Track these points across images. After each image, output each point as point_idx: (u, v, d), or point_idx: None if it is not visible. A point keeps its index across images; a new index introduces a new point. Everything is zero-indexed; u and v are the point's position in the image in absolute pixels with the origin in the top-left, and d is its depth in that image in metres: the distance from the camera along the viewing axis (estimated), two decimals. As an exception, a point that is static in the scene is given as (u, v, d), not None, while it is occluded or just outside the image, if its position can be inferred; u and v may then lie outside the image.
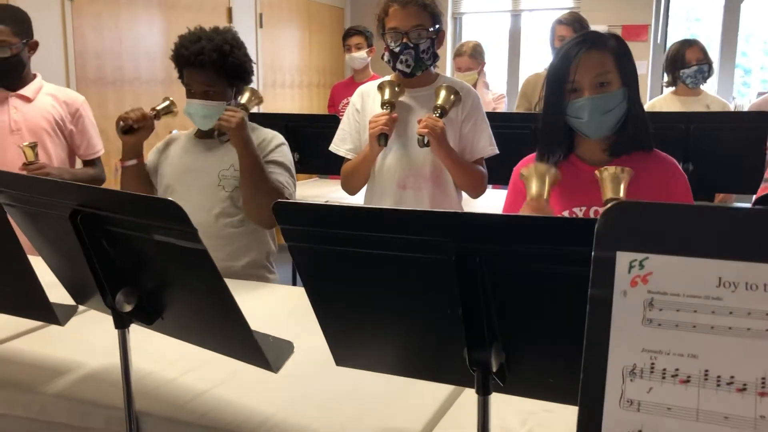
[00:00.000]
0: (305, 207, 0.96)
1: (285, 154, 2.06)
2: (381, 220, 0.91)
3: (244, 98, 2.03)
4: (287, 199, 1.95)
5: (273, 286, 2.02)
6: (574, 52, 1.55)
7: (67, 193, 1.11)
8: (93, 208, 1.07)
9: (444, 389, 1.23)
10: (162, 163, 2.11)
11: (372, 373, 1.07)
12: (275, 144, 2.05)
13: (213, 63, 1.94)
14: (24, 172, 2.27)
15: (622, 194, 1.45)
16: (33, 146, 2.33)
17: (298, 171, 3.30)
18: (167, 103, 2.09)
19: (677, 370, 0.55)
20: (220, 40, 1.98)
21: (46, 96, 2.55)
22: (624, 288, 0.56)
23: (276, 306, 1.79)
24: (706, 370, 0.54)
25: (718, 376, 0.54)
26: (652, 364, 0.56)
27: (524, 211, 1.52)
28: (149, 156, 2.14)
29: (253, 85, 2.13)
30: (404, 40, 2.03)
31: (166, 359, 1.37)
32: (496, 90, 4.29)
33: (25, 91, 2.51)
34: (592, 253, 0.57)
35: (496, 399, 0.93)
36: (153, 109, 2.04)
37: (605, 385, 0.57)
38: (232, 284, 1.73)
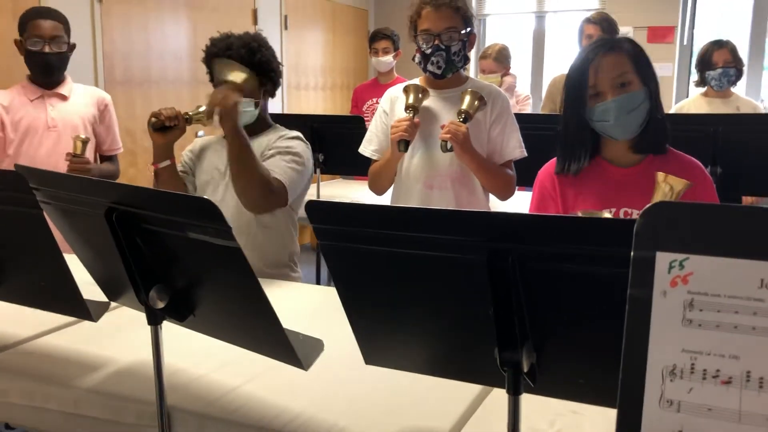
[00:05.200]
0: (338, 206, 0.96)
1: (296, 143, 2.03)
2: (413, 219, 0.91)
3: (232, 77, 1.99)
4: (275, 187, 1.90)
5: (298, 284, 2.04)
6: (591, 57, 1.57)
7: (103, 191, 1.13)
8: (128, 205, 1.09)
9: (472, 389, 1.23)
10: (196, 165, 2.13)
11: (401, 372, 1.08)
12: (290, 135, 2.05)
13: (241, 58, 1.97)
14: (67, 162, 2.35)
15: None
16: (85, 141, 2.38)
17: (322, 172, 3.34)
18: (202, 108, 2.01)
19: (718, 370, 0.55)
20: (248, 38, 2.01)
21: (79, 95, 2.64)
22: (664, 288, 0.56)
23: (302, 304, 1.80)
24: (748, 372, 0.54)
25: (761, 378, 0.53)
26: (692, 364, 0.55)
27: None
28: (183, 157, 2.16)
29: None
30: (436, 42, 2.04)
31: (197, 356, 1.39)
32: (521, 91, 4.28)
33: (61, 89, 2.59)
34: (632, 253, 0.57)
35: (524, 400, 0.93)
36: (186, 113, 2.00)
37: (645, 385, 0.57)
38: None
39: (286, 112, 5.03)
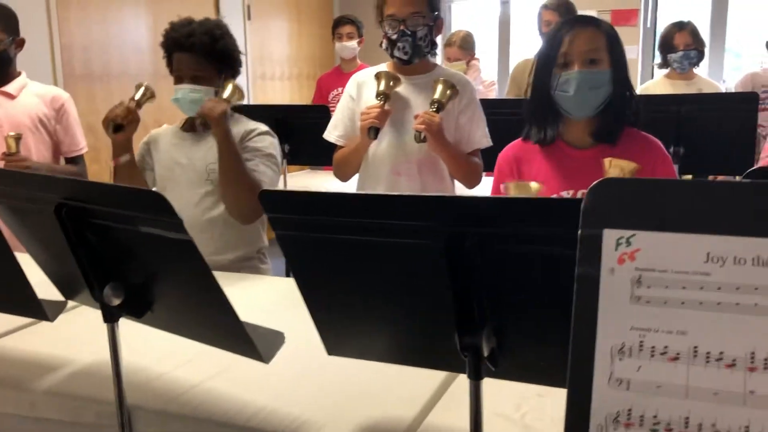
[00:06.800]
0: (292, 195, 0.95)
1: (269, 142, 2.03)
2: (369, 205, 0.90)
3: (226, 93, 1.99)
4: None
5: (265, 277, 2.01)
6: (568, 27, 1.57)
7: (52, 187, 1.10)
8: (78, 201, 1.05)
9: (437, 375, 1.23)
10: (152, 158, 2.09)
11: (364, 362, 1.07)
12: (259, 131, 2.03)
13: (203, 46, 1.94)
14: (2, 163, 2.27)
15: None
16: (17, 138, 2.30)
17: (288, 163, 3.31)
18: (143, 89, 2.04)
19: (666, 347, 0.54)
20: (211, 25, 1.98)
21: (31, 94, 2.54)
22: (611, 266, 0.55)
23: (268, 297, 1.78)
24: (695, 347, 0.53)
25: (708, 353, 0.53)
26: (641, 342, 0.55)
27: None
28: (140, 150, 2.13)
29: (241, 78, 2.11)
30: (402, 28, 2.03)
31: (157, 353, 1.36)
32: (487, 77, 4.28)
33: (8, 88, 2.49)
34: (579, 231, 0.56)
35: (490, 385, 0.93)
36: (132, 99, 2.00)
37: (594, 364, 0.56)
38: (223, 276, 1.72)
39: (251, 102, 4.97)
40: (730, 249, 0.52)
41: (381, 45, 2.13)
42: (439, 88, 2.03)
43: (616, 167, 1.44)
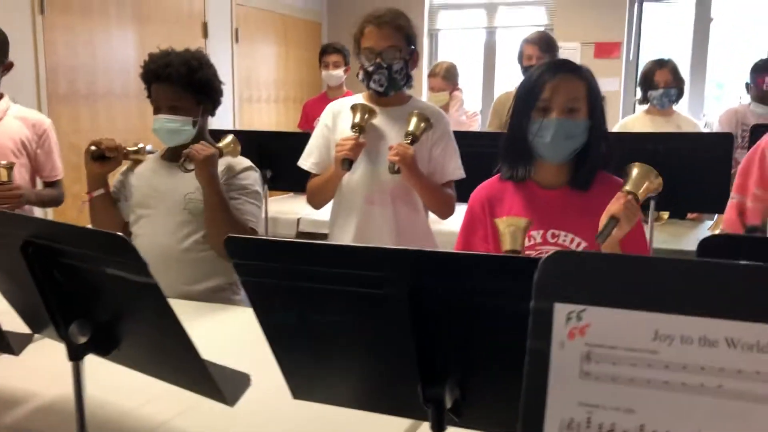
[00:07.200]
0: (256, 242, 0.95)
1: (253, 178, 2.06)
2: (333, 255, 0.90)
3: (222, 142, 2.02)
4: (251, 232, 1.96)
5: (238, 309, 2.00)
6: (552, 73, 1.58)
7: (19, 225, 1.09)
8: (44, 240, 1.05)
9: (403, 422, 1.22)
10: (128, 188, 2.10)
11: (330, 406, 1.06)
12: (243, 167, 2.05)
13: (180, 77, 1.94)
14: None
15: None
16: (9, 167, 2.30)
17: (270, 188, 3.31)
18: (140, 145, 2.10)
19: (613, 425, 0.54)
20: (188, 56, 1.99)
21: (14, 117, 2.53)
22: (561, 340, 0.56)
23: (240, 329, 1.76)
24: (642, 425, 0.54)
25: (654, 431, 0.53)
26: (588, 418, 0.55)
27: None
28: (115, 180, 2.14)
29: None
30: (378, 60, 2.06)
31: (124, 389, 1.34)
32: (469, 108, 4.32)
33: None
34: (531, 304, 0.56)
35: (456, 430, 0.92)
36: (125, 148, 2.05)
37: (542, 439, 0.56)
38: (195, 306, 1.71)
39: (237, 124, 4.97)
40: (678, 328, 0.52)
41: (357, 76, 2.17)
42: (414, 120, 2.05)
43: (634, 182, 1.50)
